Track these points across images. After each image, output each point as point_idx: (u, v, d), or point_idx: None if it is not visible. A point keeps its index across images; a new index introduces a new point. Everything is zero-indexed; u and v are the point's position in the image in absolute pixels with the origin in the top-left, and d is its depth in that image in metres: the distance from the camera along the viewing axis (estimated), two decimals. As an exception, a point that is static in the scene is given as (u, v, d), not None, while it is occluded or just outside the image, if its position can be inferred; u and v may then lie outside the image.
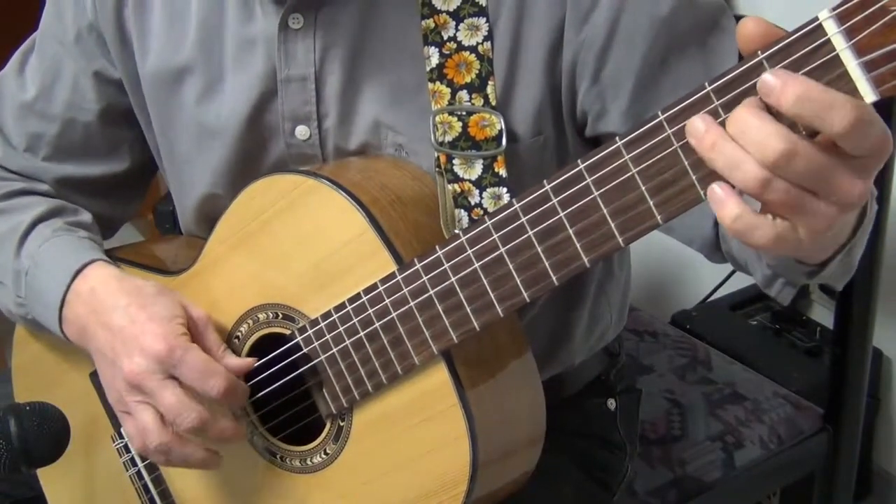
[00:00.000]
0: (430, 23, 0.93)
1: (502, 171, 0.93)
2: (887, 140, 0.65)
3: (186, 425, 0.92)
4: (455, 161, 0.93)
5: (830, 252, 0.77)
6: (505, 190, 0.93)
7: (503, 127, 0.92)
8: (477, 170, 0.93)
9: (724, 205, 0.67)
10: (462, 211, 0.93)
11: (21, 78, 1.14)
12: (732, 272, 1.93)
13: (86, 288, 1.01)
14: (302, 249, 0.93)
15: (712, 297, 1.99)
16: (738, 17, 0.96)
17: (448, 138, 0.93)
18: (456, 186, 0.93)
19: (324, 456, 0.96)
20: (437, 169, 0.94)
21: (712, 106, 0.68)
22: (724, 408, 1.48)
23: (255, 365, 0.97)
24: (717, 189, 0.67)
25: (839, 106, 0.62)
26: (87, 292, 1.01)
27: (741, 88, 0.67)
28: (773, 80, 0.63)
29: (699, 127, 0.67)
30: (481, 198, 0.93)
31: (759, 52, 0.66)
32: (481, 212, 0.93)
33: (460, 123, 0.93)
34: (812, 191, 0.65)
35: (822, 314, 1.87)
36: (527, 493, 1.01)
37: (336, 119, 0.99)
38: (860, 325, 1.41)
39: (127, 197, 1.20)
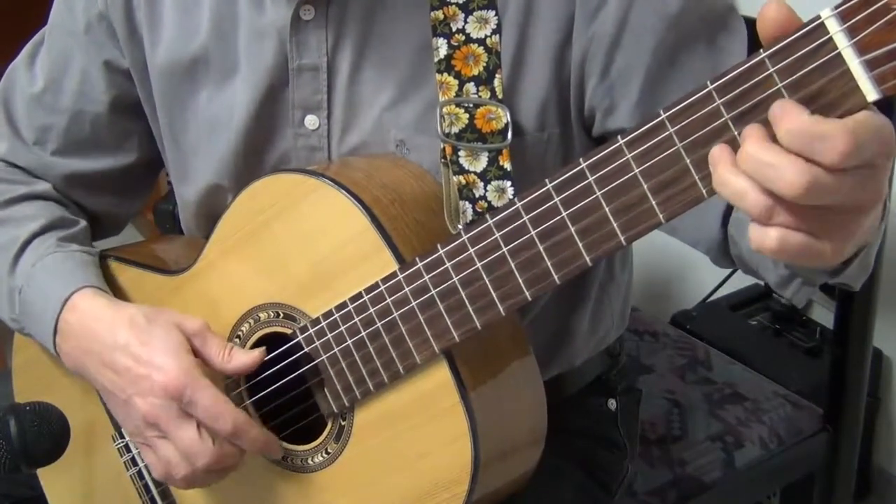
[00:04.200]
0: (440, 14, 0.93)
1: (507, 165, 0.93)
2: (890, 140, 0.64)
3: (201, 466, 0.93)
4: (460, 153, 0.93)
5: (854, 250, 0.77)
6: (509, 183, 0.93)
7: (509, 120, 0.93)
8: (482, 162, 0.93)
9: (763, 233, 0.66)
10: (466, 203, 0.93)
11: (31, 70, 1.14)
12: (732, 272, 1.93)
13: (75, 320, 1.01)
14: (303, 248, 0.93)
15: (712, 297, 1.99)
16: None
17: (454, 130, 0.93)
18: (461, 178, 0.93)
19: (325, 455, 0.96)
20: (442, 160, 0.94)
21: (714, 105, 0.68)
22: (724, 408, 1.48)
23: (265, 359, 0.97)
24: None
25: (829, 137, 0.62)
26: (78, 326, 1.00)
27: (743, 87, 0.67)
28: (776, 111, 0.63)
29: (713, 156, 0.67)
30: (485, 190, 0.93)
31: (762, 51, 0.66)
32: (485, 205, 0.93)
33: (467, 115, 0.93)
34: (830, 208, 0.65)
35: (822, 314, 1.87)
36: (527, 492, 1.01)
37: (344, 108, 0.99)
38: (860, 325, 1.41)
39: (134, 192, 1.20)
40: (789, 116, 0.63)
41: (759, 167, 0.64)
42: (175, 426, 0.93)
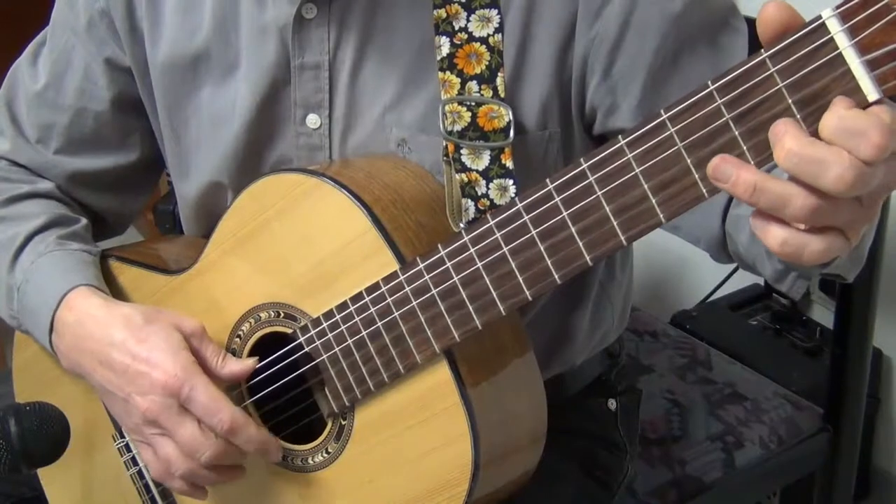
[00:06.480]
0: (442, 12, 0.93)
1: (509, 163, 0.93)
2: None
3: (203, 461, 0.94)
4: (463, 151, 0.93)
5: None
6: (511, 182, 0.93)
7: (511, 119, 0.93)
8: (484, 160, 0.93)
9: (768, 231, 0.67)
10: (469, 200, 0.93)
11: (34, 68, 1.14)
12: (732, 272, 1.93)
13: (72, 318, 1.01)
14: (304, 248, 0.93)
15: (712, 297, 1.99)
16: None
17: (457, 128, 0.93)
18: (463, 176, 0.93)
19: (325, 455, 0.96)
20: (444, 158, 0.94)
21: (715, 105, 0.68)
22: (724, 408, 1.48)
23: (258, 365, 0.97)
24: (758, 217, 0.67)
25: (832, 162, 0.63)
26: (74, 324, 1.00)
27: (744, 87, 0.67)
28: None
29: (727, 172, 0.66)
30: (488, 188, 0.93)
31: (762, 51, 0.66)
32: (488, 202, 0.93)
33: (469, 113, 0.93)
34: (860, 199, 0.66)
35: (822, 314, 1.87)
36: (527, 492, 1.01)
37: (345, 107, 0.99)
38: (860, 325, 1.41)
39: (137, 190, 1.20)
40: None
41: (806, 164, 0.64)
42: (176, 422, 0.93)
